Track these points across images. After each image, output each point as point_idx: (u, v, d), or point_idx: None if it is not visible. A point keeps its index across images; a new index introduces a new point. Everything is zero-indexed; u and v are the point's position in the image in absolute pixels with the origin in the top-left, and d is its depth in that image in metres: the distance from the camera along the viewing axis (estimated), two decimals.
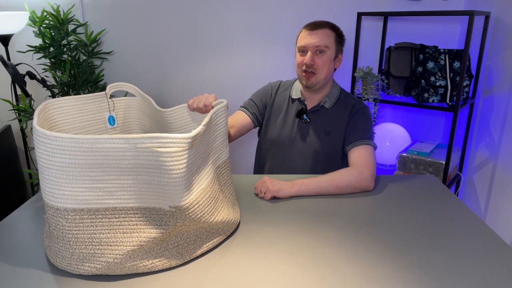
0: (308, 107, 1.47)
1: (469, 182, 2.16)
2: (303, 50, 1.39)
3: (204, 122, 0.85)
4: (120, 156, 0.77)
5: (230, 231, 0.98)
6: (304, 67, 1.38)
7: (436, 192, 1.22)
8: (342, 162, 1.45)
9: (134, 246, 0.81)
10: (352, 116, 1.42)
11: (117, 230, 0.81)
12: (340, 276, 0.81)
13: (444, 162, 1.92)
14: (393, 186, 1.27)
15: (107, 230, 0.81)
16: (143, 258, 0.83)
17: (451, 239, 0.95)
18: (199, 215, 0.84)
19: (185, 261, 0.87)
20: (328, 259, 0.87)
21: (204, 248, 0.90)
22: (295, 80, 1.54)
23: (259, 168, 1.58)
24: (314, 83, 1.40)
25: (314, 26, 1.38)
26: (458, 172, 2.19)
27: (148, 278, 0.82)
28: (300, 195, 1.20)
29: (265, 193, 1.18)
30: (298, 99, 1.48)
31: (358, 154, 1.32)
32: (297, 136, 1.46)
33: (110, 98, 1.14)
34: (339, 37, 1.42)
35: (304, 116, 1.45)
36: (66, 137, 0.75)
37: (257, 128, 1.59)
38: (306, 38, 1.37)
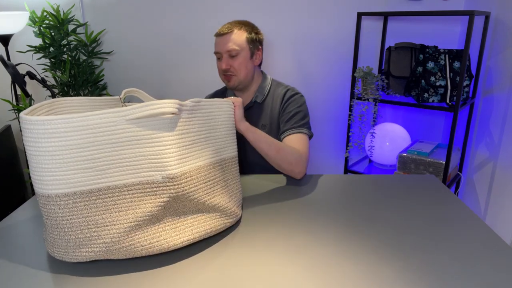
0: (244, 105, 1.48)
1: (469, 182, 2.16)
2: (218, 57, 1.42)
3: (196, 99, 0.89)
4: (111, 131, 0.78)
5: (230, 222, 0.98)
6: (223, 72, 1.41)
7: (436, 192, 1.22)
8: None
9: (131, 223, 0.81)
10: (284, 105, 1.42)
11: (112, 210, 0.81)
12: (340, 276, 0.81)
13: (444, 162, 1.92)
14: (393, 186, 1.27)
15: (102, 211, 0.81)
16: (141, 237, 0.83)
17: (451, 239, 0.95)
18: (193, 189, 0.85)
19: (183, 243, 0.87)
20: (327, 259, 0.87)
21: (202, 232, 0.90)
22: None
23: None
24: (235, 84, 1.42)
25: (221, 32, 1.39)
26: (458, 172, 2.19)
27: (145, 274, 0.82)
28: (245, 135, 1.20)
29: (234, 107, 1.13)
30: None
31: (293, 142, 1.33)
32: (239, 136, 1.47)
33: (123, 102, 1.14)
34: (252, 35, 1.41)
35: None
36: (56, 118, 0.75)
37: None
38: (217, 44, 1.40)
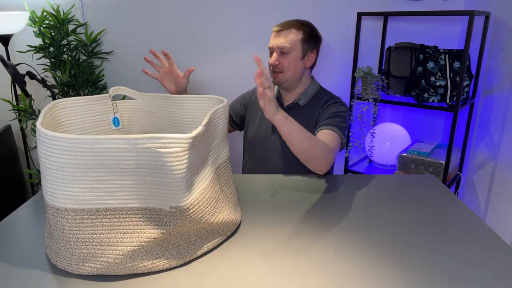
0: (285, 105, 1.50)
1: (469, 182, 2.16)
2: (271, 52, 1.43)
3: (204, 122, 0.85)
4: (121, 157, 0.77)
5: (231, 231, 0.98)
6: (271, 68, 1.42)
7: (436, 192, 1.22)
8: None
9: (134, 246, 0.81)
10: (325, 108, 1.43)
11: (118, 230, 0.82)
12: (340, 276, 0.81)
13: (444, 162, 1.92)
14: (393, 186, 1.27)
15: (108, 230, 0.81)
16: (143, 258, 0.83)
17: (451, 239, 0.95)
18: (200, 215, 0.85)
19: (185, 261, 0.87)
20: (327, 259, 0.87)
21: (205, 248, 0.90)
22: None
23: (243, 168, 1.62)
24: (281, 81, 1.43)
25: (279, 28, 1.40)
26: (458, 172, 2.19)
27: (147, 278, 0.82)
28: (278, 129, 1.14)
29: (267, 93, 1.07)
30: (277, 98, 1.51)
31: (323, 137, 1.31)
32: (273, 134, 1.48)
33: (113, 100, 1.14)
34: (309, 36, 1.42)
35: None
36: (66, 137, 0.75)
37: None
38: (272, 40, 1.41)
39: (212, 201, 0.89)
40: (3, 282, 0.81)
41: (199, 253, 0.89)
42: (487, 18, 1.92)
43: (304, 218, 1.06)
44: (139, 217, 0.82)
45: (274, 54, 1.40)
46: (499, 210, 1.83)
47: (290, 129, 1.14)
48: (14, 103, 2.36)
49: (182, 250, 0.87)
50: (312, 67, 1.48)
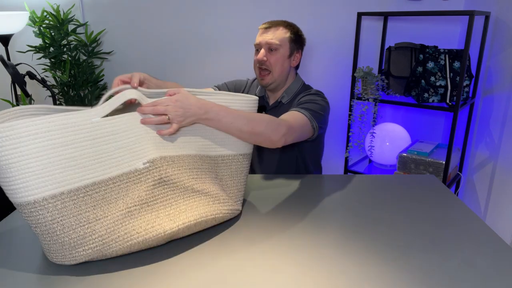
0: (270, 103, 1.49)
1: (469, 182, 2.16)
2: (257, 49, 1.41)
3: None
4: (88, 128, 0.82)
5: (226, 209, 0.98)
6: (258, 64, 1.40)
7: (436, 192, 1.22)
8: (309, 152, 1.45)
9: (122, 210, 0.84)
10: (299, 99, 1.38)
11: (102, 203, 0.83)
12: (340, 276, 0.81)
13: (444, 162, 1.92)
14: (393, 186, 1.27)
15: (92, 206, 0.82)
16: (135, 224, 0.84)
17: (451, 239, 0.95)
18: (176, 172, 0.90)
19: (178, 227, 0.88)
20: (327, 259, 0.87)
21: (197, 216, 0.91)
22: None
23: None
24: (269, 83, 1.41)
25: (267, 25, 1.40)
26: (458, 172, 2.19)
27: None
28: (212, 125, 0.99)
29: (169, 120, 0.91)
30: (262, 97, 1.50)
31: (287, 115, 1.22)
32: None
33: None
34: (296, 36, 1.41)
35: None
36: (38, 119, 0.77)
37: None
38: (259, 36, 1.40)
39: (195, 169, 0.94)
40: (3, 282, 0.81)
41: (192, 219, 0.90)
42: (487, 18, 1.92)
43: (303, 217, 1.06)
44: (118, 185, 0.85)
45: (262, 50, 1.38)
46: (499, 210, 1.83)
47: (227, 122, 0.99)
48: (14, 103, 2.36)
49: (173, 216, 0.88)
50: (297, 67, 1.48)
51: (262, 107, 1.48)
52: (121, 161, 0.85)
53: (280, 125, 1.10)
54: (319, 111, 1.31)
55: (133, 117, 0.89)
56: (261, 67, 1.40)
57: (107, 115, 0.87)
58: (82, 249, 0.81)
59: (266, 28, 1.39)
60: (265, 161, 1.49)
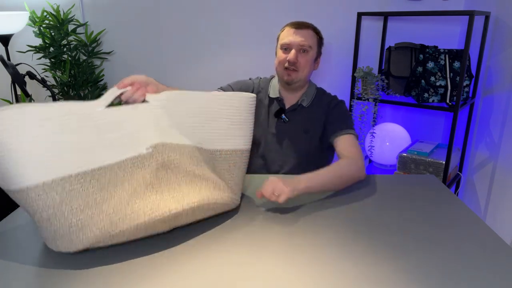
0: (287, 106, 1.46)
1: (469, 182, 2.16)
2: (286, 48, 1.38)
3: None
4: (91, 118, 0.86)
5: (226, 196, 1.01)
6: (286, 64, 1.38)
7: (436, 192, 1.22)
8: (319, 160, 1.44)
9: (129, 191, 0.87)
10: (330, 111, 1.43)
11: (108, 186, 0.86)
12: (339, 276, 0.81)
13: (444, 162, 1.92)
14: (393, 186, 1.27)
15: (98, 189, 0.85)
16: (141, 204, 0.87)
17: (451, 239, 0.95)
18: (178, 156, 0.94)
19: (183, 207, 0.91)
20: (327, 259, 0.87)
21: (200, 198, 0.94)
22: (272, 78, 1.53)
23: None
24: (295, 80, 1.39)
25: (299, 25, 1.38)
26: (458, 172, 2.19)
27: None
28: (307, 192, 1.13)
29: (278, 196, 1.05)
30: (276, 98, 1.47)
31: (346, 144, 1.33)
32: (276, 135, 1.46)
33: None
34: (321, 41, 1.43)
35: (283, 116, 1.45)
36: (39, 105, 0.80)
37: None
38: (291, 36, 1.37)
39: (194, 157, 0.98)
40: (3, 282, 0.81)
41: (195, 201, 0.93)
42: (487, 18, 1.92)
43: (303, 217, 1.06)
44: (124, 169, 0.89)
45: (294, 51, 1.36)
46: (499, 210, 1.83)
47: (319, 182, 1.14)
48: (14, 103, 2.36)
49: (178, 199, 0.91)
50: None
51: (281, 110, 1.45)
52: (125, 147, 0.89)
53: (357, 163, 1.25)
54: (352, 120, 1.43)
55: (135, 109, 0.94)
56: (289, 67, 1.37)
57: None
58: (90, 230, 0.83)
59: (297, 28, 1.37)
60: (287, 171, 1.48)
